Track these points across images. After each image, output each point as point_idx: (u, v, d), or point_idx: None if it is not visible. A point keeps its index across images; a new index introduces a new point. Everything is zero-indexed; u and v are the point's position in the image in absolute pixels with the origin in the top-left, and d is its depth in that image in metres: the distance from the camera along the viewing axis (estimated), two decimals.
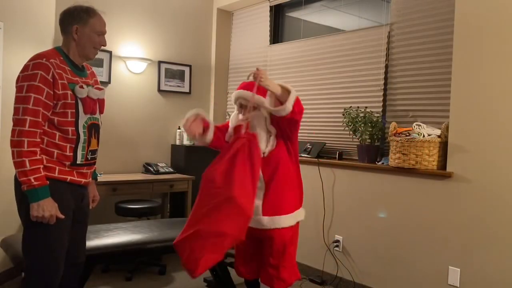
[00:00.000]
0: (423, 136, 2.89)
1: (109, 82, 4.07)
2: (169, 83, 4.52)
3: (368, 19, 3.73)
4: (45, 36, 3.63)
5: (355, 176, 3.41)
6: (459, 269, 2.80)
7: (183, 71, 4.63)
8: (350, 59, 3.66)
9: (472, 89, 2.73)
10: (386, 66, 3.40)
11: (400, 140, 2.96)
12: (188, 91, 4.67)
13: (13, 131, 1.87)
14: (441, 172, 2.85)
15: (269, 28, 4.40)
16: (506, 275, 2.60)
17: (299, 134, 4.04)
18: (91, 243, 2.47)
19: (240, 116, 2.45)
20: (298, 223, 2.53)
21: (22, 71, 1.91)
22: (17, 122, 1.87)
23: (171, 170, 4.28)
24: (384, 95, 3.41)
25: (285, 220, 2.42)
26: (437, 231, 2.91)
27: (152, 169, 4.20)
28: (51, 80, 1.90)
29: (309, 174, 3.74)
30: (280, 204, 2.40)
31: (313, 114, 3.94)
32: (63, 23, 2.05)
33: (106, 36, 4.32)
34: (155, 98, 4.45)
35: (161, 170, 4.21)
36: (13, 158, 1.88)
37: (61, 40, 3.83)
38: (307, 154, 3.74)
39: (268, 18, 4.41)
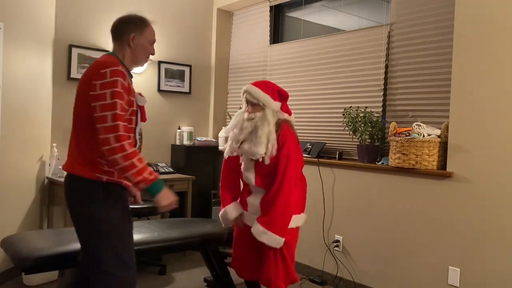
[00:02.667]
0: (423, 136, 2.89)
1: None
2: (169, 83, 4.52)
3: (368, 19, 3.73)
4: (45, 36, 3.63)
5: (355, 176, 3.41)
6: (459, 269, 2.80)
7: (183, 71, 4.63)
8: (350, 59, 3.66)
9: (472, 89, 2.73)
10: (386, 66, 3.40)
11: (400, 140, 2.96)
12: (188, 91, 4.67)
13: (106, 139, 1.84)
14: (441, 172, 2.85)
15: (269, 28, 4.40)
16: (506, 275, 2.60)
17: (299, 134, 4.05)
18: None
19: (246, 115, 2.47)
20: (298, 228, 2.53)
21: (99, 78, 1.88)
22: (109, 129, 1.85)
23: (171, 170, 4.28)
24: (384, 95, 3.41)
25: None
26: (437, 231, 2.91)
27: (152, 169, 4.19)
28: (127, 86, 1.94)
29: (309, 174, 3.73)
30: None
31: (313, 114, 3.94)
32: (119, 30, 2.07)
33: (106, 35, 4.34)
34: (155, 98, 4.44)
35: (161, 170, 4.21)
36: (118, 164, 1.86)
37: (61, 40, 3.85)
38: (307, 154, 3.74)
39: (268, 18, 4.41)
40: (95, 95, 1.87)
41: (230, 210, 2.58)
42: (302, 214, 2.55)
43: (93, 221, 1.97)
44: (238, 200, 2.63)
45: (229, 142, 2.56)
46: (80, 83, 2.01)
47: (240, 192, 2.66)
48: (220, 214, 2.64)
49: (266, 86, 2.46)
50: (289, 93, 4.10)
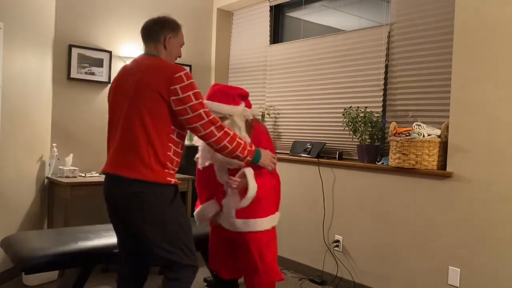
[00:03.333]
0: (423, 136, 2.90)
1: (109, 82, 4.07)
2: None
3: (368, 19, 3.73)
4: (45, 36, 3.63)
5: (355, 176, 3.41)
6: (459, 269, 2.80)
7: None
8: (350, 59, 3.66)
9: (472, 89, 2.73)
10: (386, 66, 3.40)
11: (400, 140, 2.96)
12: None
13: (210, 133, 2.03)
14: (441, 172, 2.85)
15: (269, 28, 4.40)
16: (506, 275, 2.60)
17: (299, 134, 4.06)
18: (91, 243, 2.47)
19: None
20: (274, 228, 2.48)
21: (177, 82, 1.97)
22: (208, 124, 2.03)
23: None
24: (384, 95, 3.41)
25: (260, 224, 2.38)
26: (437, 231, 2.91)
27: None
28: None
29: (309, 174, 3.74)
30: (254, 207, 2.34)
31: (313, 114, 3.94)
32: (154, 31, 2.14)
33: (106, 35, 4.34)
34: None
35: None
36: (227, 148, 2.08)
37: (61, 40, 3.84)
38: (307, 154, 3.74)
39: (268, 18, 4.41)
40: (180, 99, 1.97)
41: (208, 208, 2.51)
42: (277, 213, 2.50)
43: (167, 222, 2.05)
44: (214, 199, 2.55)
45: (200, 153, 2.47)
46: (140, 88, 2.00)
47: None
48: (196, 212, 2.54)
49: (226, 95, 2.34)
50: (289, 93, 4.15)
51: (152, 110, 1.98)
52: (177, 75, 1.98)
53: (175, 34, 2.17)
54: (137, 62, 2.13)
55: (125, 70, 2.15)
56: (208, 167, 2.51)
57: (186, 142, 4.79)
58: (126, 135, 2.02)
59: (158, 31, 2.14)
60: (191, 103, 1.98)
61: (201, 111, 2.01)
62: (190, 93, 1.98)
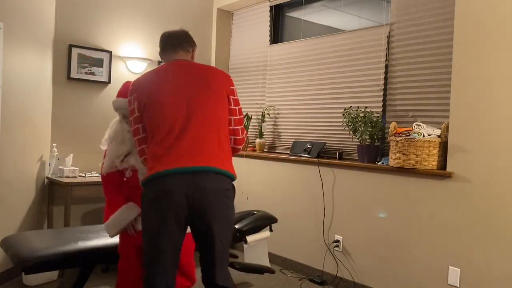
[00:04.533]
0: (423, 136, 2.90)
1: (109, 82, 4.07)
2: None
3: (368, 19, 3.74)
4: (45, 36, 3.63)
5: (355, 176, 3.41)
6: (459, 269, 2.80)
7: None
8: (350, 59, 3.66)
9: (472, 89, 2.73)
10: (386, 66, 3.40)
11: (400, 140, 2.96)
12: None
13: (243, 139, 2.20)
14: (441, 172, 2.85)
15: (269, 28, 4.40)
16: (506, 275, 2.60)
17: (299, 134, 4.06)
18: (91, 243, 2.47)
19: (126, 126, 2.29)
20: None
21: (233, 84, 2.18)
22: (244, 129, 2.22)
23: None
24: (384, 95, 3.42)
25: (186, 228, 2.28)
26: (437, 231, 2.91)
27: None
28: None
29: (309, 174, 3.74)
30: None
31: (313, 114, 3.94)
32: (185, 41, 2.27)
33: (106, 35, 4.33)
34: None
35: None
36: (240, 151, 2.29)
37: (61, 40, 3.84)
38: (307, 154, 3.74)
39: (268, 18, 4.41)
40: (235, 99, 2.17)
41: (128, 212, 2.28)
42: None
43: (232, 220, 2.10)
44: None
45: (107, 157, 2.30)
46: (208, 84, 2.08)
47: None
48: (114, 217, 2.27)
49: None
50: (289, 93, 4.15)
51: (223, 104, 2.09)
52: (231, 78, 2.20)
53: (196, 47, 2.34)
54: (182, 65, 2.15)
55: (164, 72, 2.12)
56: (120, 172, 2.35)
57: None
58: (207, 130, 2.00)
59: (188, 42, 2.29)
60: (239, 107, 2.18)
61: (243, 116, 2.20)
62: (238, 97, 2.19)
